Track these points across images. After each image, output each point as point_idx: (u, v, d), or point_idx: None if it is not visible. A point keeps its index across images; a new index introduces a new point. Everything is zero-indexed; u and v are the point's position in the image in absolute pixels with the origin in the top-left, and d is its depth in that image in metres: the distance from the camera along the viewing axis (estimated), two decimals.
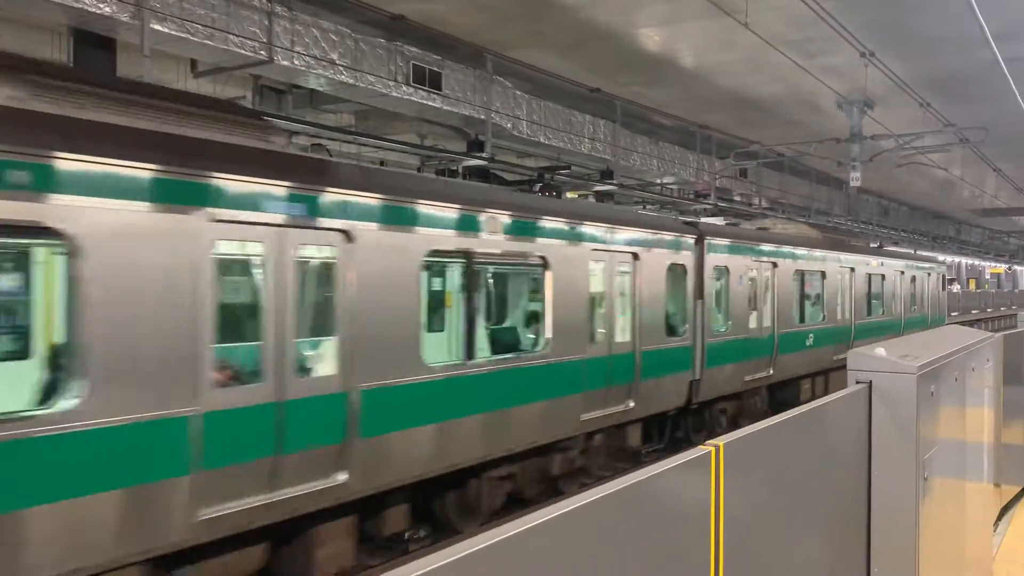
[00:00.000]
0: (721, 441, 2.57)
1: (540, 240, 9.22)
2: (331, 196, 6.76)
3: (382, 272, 7.17)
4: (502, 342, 9.96)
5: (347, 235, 6.83)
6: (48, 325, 6.01)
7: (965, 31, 12.36)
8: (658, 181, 20.51)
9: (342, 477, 6.73)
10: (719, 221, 18.50)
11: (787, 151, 20.71)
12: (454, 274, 9.34)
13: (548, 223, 9.35)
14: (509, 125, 14.22)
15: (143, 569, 5.52)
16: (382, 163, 15.51)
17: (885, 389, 3.92)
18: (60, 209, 4.98)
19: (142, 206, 5.40)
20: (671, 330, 12.03)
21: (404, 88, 11.94)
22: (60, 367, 5.35)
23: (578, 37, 13.18)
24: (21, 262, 5.84)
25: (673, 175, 19.82)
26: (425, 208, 7.73)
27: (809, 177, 25.36)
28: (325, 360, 6.93)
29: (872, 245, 22.67)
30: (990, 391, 6.03)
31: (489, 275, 10.59)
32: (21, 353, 6.07)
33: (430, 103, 12.46)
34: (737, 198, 23.38)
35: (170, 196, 5.57)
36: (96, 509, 5.15)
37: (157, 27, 8.69)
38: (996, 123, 17.45)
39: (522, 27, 12.62)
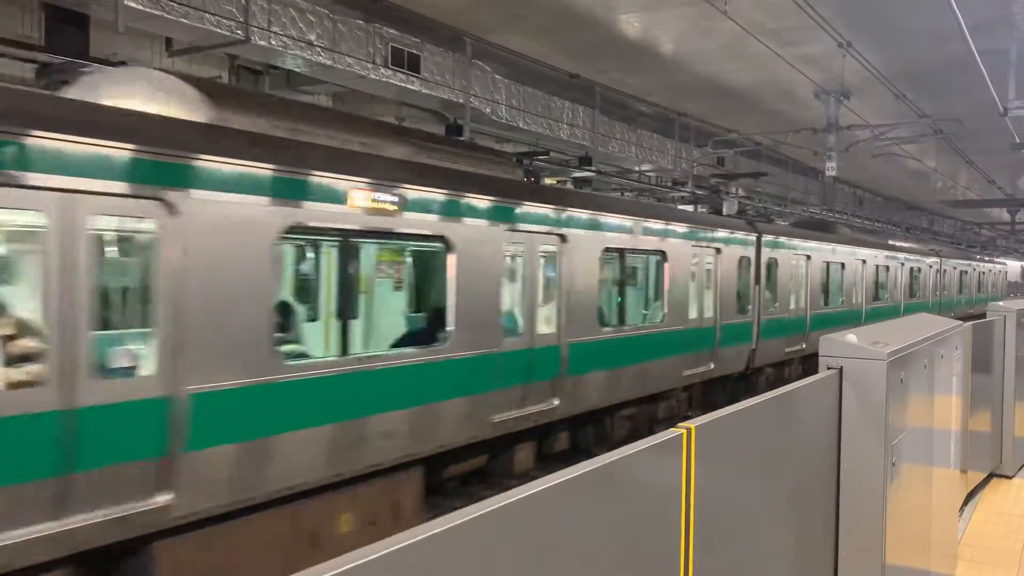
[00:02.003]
0: (693, 424, 2.59)
1: (665, 239, 12.10)
2: (548, 210, 9.55)
3: (583, 260, 10.13)
4: (665, 315, 12.19)
5: (563, 238, 9.72)
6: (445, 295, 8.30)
7: (941, 23, 12.47)
8: (636, 168, 20.56)
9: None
10: (691, 209, 18.80)
11: (764, 140, 20.82)
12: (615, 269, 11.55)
13: (669, 226, 12.26)
14: (488, 110, 14.17)
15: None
16: None
17: (855, 375, 3.97)
18: (445, 226, 7.91)
19: (482, 223, 8.42)
20: (740, 309, 14.44)
21: (382, 70, 11.86)
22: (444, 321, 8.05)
23: (557, 22, 13.14)
24: (440, 259, 8.30)
25: (651, 162, 19.88)
26: (607, 218, 10.71)
27: (786, 166, 25.53)
28: None
29: (889, 242, 25.76)
30: (958, 379, 6.13)
31: (636, 267, 12.63)
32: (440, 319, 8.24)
33: (409, 86, 12.39)
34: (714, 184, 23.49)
35: (492, 216, 8.57)
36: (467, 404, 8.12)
37: (132, 4, 8.56)
38: (970, 115, 17.64)
39: (501, 11, 12.56)
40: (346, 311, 7.32)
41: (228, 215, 5.91)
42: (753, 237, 15.10)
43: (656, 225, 11.79)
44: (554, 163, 15.88)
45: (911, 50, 14.75)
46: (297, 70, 11.58)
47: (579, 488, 2.06)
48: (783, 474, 3.53)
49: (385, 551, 1.47)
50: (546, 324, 9.63)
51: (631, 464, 2.30)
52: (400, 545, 1.50)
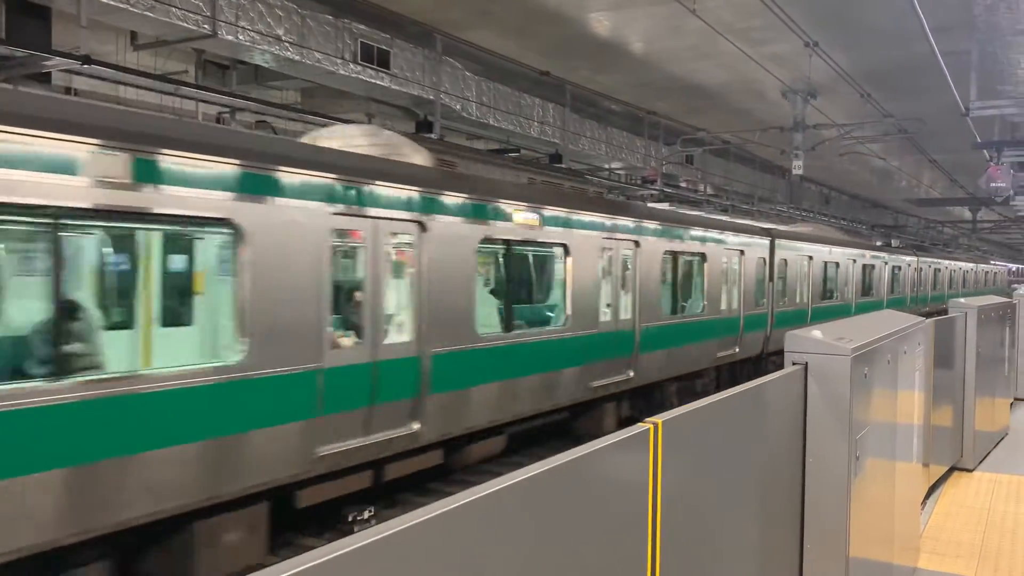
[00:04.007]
0: (660, 419, 2.60)
1: (705, 244, 14.46)
2: (628, 221, 11.87)
3: (651, 261, 12.31)
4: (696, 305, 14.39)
5: (637, 244, 11.99)
6: (564, 288, 10.60)
7: (905, 24, 12.66)
8: (606, 166, 20.64)
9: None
10: (664, 207, 19.00)
11: (732, 139, 21.00)
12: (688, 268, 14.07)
13: (708, 232, 14.60)
14: (458, 107, 14.14)
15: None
16: None
17: (820, 370, 4.02)
18: (566, 234, 10.39)
19: (593, 233, 10.93)
20: (757, 302, 16.74)
21: (352, 66, 11.78)
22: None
23: (528, 19, 13.14)
24: (553, 259, 10.67)
25: (621, 160, 19.96)
26: (666, 227, 12.84)
27: (753, 165, 25.78)
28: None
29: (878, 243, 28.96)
30: (921, 374, 6.22)
31: (683, 265, 14.27)
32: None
33: (378, 82, 12.32)
34: (683, 184, 23.66)
35: (592, 227, 11.00)
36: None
37: None
38: (933, 115, 17.93)
39: (471, 7, 12.54)
40: (508, 298, 9.74)
41: (452, 231, 8.53)
42: (768, 240, 17.56)
43: (698, 232, 14.27)
44: (524, 161, 15.88)
45: (876, 50, 14.96)
46: (265, 65, 11.47)
47: (545, 484, 2.07)
48: (749, 469, 3.57)
49: (352, 547, 1.47)
50: (625, 311, 11.67)
51: (597, 459, 2.30)
52: (363, 543, 1.50)
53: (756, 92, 17.85)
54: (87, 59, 8.49)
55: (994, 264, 53.13)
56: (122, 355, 5.97)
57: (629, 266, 11.98)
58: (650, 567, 2.62)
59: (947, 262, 36.97)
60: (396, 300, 8.03)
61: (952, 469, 8.77)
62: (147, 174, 5.60)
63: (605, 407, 11.53)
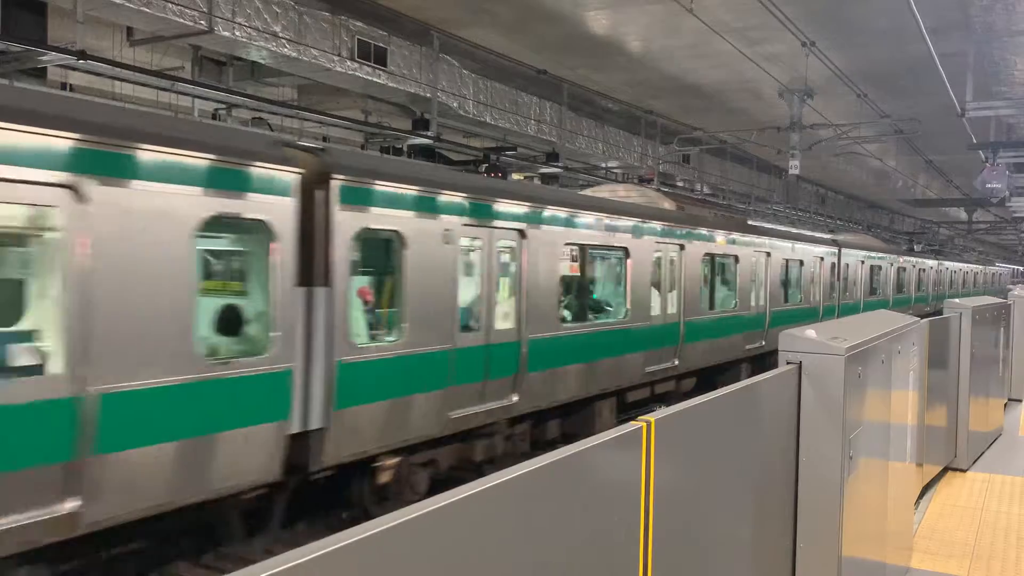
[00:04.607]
0: (652, 417, 2.60)
1: (804, 253, 18.39)
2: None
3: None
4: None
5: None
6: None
7: (902, 25, 12.67)
8: (603, 165, 20.64)
9: None
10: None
11: (729, 138, 21.02)
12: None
13: (804, 245, 18.55)
14: (455, 104, 14.13)
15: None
16: (325, 139, 15.28)
17: (814, 370, 4.02)
18: (738, 250, 15.26)
19: (752, 245, 15.53)
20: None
21: (348, 63, 11.76)
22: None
23: (526, 17, 13.14)
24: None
25: (618, 159, 19.96)
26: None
27: (750, 164, 25.79)
28: None
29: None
30: (915, 374, 6.23)
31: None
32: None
33: (375, 79, 12.31)
34: (680, 184, 23.66)
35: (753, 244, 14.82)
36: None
37: None
38: (929, 116, 17.97)
39: (469, 5, 12.53)
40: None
41: (698, 250, 13.16)
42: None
43: (801, 245, 18.20)
44: (521, 159, 15.88)
45: (873, 51, 14.98)
46: (262, 62, 11.45)
47: (537, 482, 2.07)
48: (742, 468, 3.57)
49: (345, 542, 1.47)
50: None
51: (590, 457, 2.30)
52: (356, 539, 1.49)
53: (753, 92, 17.86)
54: (83, 54, 8.46)
55: (999, 266, 57.94)
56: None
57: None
58: (642, 565, 2.62)
59: (961, 264, 42.42)
60: (670, 286, 12.84)
61: (946, 469, 8.79)
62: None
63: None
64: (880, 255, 25.76)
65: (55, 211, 5.03)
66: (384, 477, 7.63)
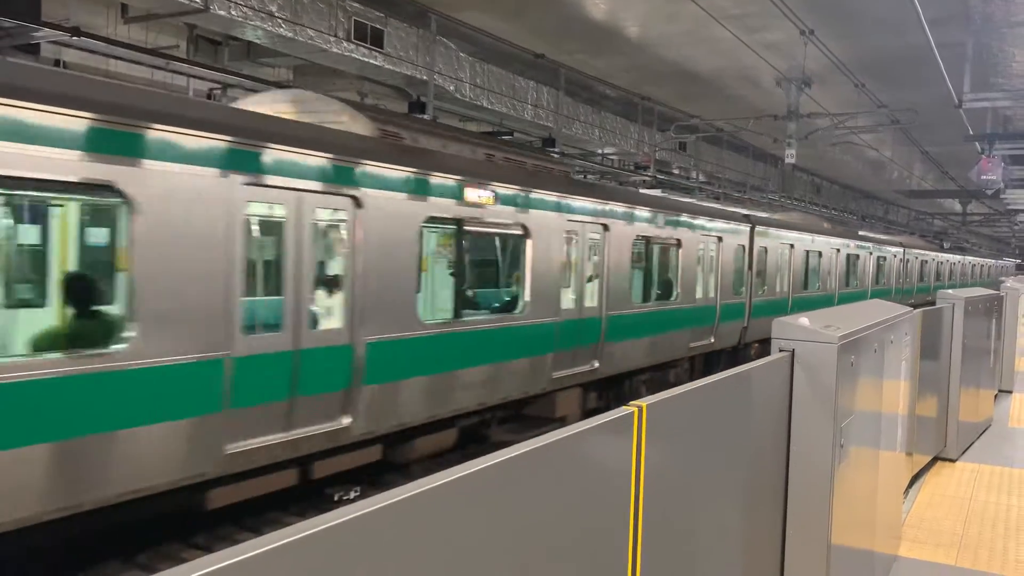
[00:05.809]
0: (644, 402, 2.59)
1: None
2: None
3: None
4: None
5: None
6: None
7: (900, 15, 12.63)
8: (599, 151, 20.59)
9: None
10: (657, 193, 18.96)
11: (726, 126, 20.97)
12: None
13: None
14: (452, 87, 14.06)
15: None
16: None
17: (807, 358, 4.02)
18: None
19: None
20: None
21: (345, 44, 11.68)
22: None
23: (524, 1, 13.05)
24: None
25: (614, 146, 19.91)
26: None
27: (746, 152, 25.76)
28: None
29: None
30: (907, 364, 6.25)
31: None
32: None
33: (371, 61, 12.23)
34: (676, 171, 23.63)
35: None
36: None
37: None
38: (926, 107, 17.94)
39: None
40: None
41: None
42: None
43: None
44: (517, 144, 15.82)
45: (871, 40, 14.93)
46: (257, 41, 11.36)
47: (527, 466, 2.06)
48: (733, 455, 3.57)
49: (331, 523, 1.46)
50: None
51: (581, 442, 2.29)
52: (342, 520, 1.48)
53: (750, 79, 17.80)
54: (76, 31, 8.38)
55: (1004, 260, 62.82)
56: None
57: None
58: (631, 550, 2.62)
59: (976, 259, 48.40)
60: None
61: (935, 459, 8.83)
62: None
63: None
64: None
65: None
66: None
